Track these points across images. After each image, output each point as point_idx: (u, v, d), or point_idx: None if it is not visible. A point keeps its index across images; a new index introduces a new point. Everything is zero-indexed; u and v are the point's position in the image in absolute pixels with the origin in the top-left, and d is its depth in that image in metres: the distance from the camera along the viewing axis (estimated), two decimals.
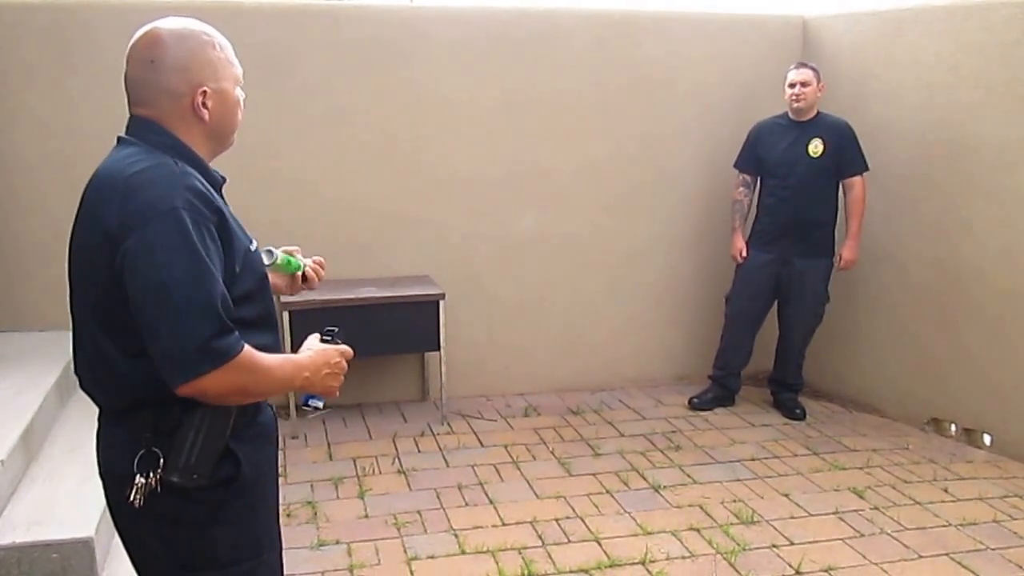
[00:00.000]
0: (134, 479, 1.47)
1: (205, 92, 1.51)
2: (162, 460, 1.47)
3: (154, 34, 1.51)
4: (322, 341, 1.65)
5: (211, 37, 1.55)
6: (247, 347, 1.42)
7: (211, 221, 1.44)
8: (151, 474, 1.47)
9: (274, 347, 1.60)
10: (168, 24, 1.52)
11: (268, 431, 1.68)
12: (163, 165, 1.45)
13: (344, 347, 1.64)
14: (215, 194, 1.51)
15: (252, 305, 1.55)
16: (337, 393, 1.64)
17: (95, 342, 1.51)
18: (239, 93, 1.60)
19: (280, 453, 3.84)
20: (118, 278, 1.40)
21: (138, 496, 1.48)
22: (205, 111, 1.52)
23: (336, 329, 1.67)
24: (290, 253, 1.86)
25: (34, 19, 3.92)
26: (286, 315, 3.97)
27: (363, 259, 4.45)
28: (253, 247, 1.59)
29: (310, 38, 4.23)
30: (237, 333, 1.41)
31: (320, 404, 1.59)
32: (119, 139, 1.54)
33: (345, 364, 1.63)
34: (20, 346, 3.72)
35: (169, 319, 1.37)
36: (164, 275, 1.36)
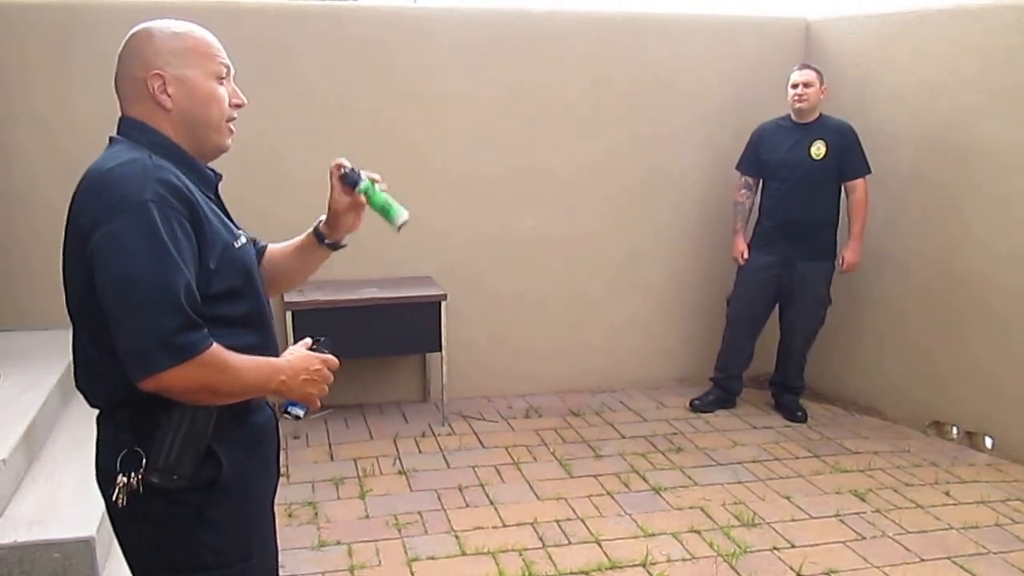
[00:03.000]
0: (117, 479, 1.47)
1: (162, 77, 1.49)
2: (144, 460, 1.46)
3: (135, 31, 1.54)
4: (311, 348, 1.63)
5: (186, 28, 1.53)
6: (215, 345, 1.40)
7: (183, 214, 1.41)
8: (133, 474, 1.46)
9: (261, 347, 1.57)
10: (146, 23, 1.54)
11: (262, 433, 1.65)
12: (137, 160, 1.43)
13: (328, 356, 1.61)
14: (195, 189, 1.49)
15: (236, 303, 1.53)
16: (318, 403, 1.61)
17: (80, 340, 1.51)
18: (217, 87, 1.54)
19: (283, 453, 3.85)
20: (90, 273, 1.40)
21: (121, 496, 1.47)
22: (165, 97, 1.49)
23: (323, 338, 1.64)
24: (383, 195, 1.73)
25: (37, 18, 3.93)
26: (288, 315, 3.98)
27: (365, 260, 4.45)
28: (239, 243, 1.56)
29: (313, 39, 4.24)
30: (205, 330, 1.39)
31: (300, 412, 1.54)
32: (110, 139, 1.54)
33: (328, 373, 1.60)
34: (23, 344, 3.72)
35: (131, 312, 1.36)
36: (128, 268, 1.36)
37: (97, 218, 1.39)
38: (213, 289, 1.46)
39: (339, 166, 1.72)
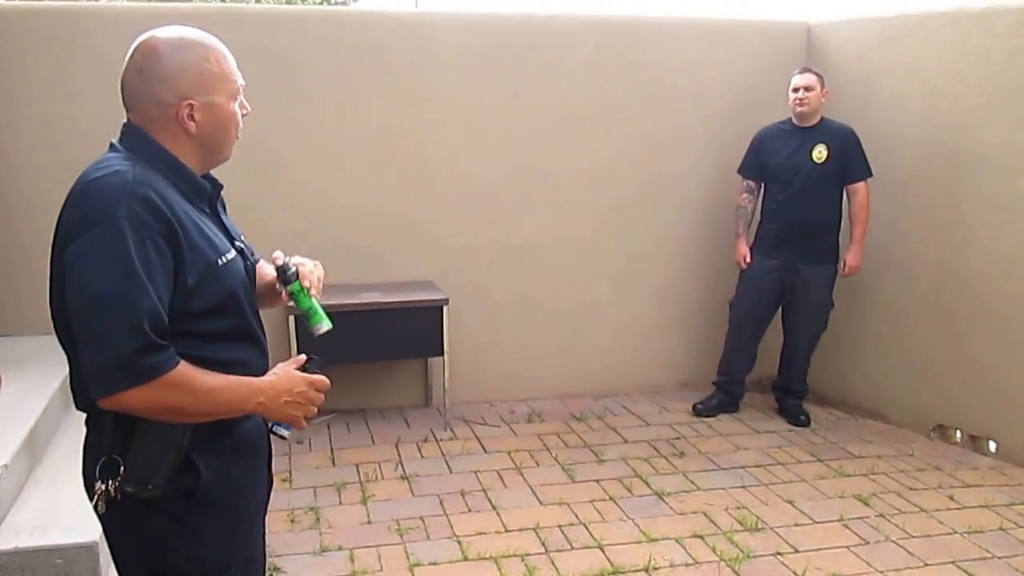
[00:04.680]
0: (95, 485, 1.47)
1: (192, 105, 1.48)
2: (122, 468, 1.46)
3: (149, 44, 1.49)
4: (302, 367, 1.60)
5: (208, 49, 1.51)
6: (182, 366, 1.38)
7: (158, 232, 1.39)
8: (111, 482, 1.46)
9: (251, 361, 1.57)
10: (165, 33, 1.50)
11: (249, 442, 1.63)
12: (119, 173, 1.42)
13: (317, 377, 1.58)
14: (179, 205, 1.46)
15: (219, 319, 1.51)
16: (304, 424, 1.58)
17: (64, 347, 1.51)
18: (235, 107, 1.55)
19: (284, 459, 3.85)
20: (61, 285, 1.40)
21: (99, 503, 1.47)
22: (192, 123, 1.49)
23: (315, 357, 1.61)
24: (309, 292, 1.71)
25: (38, 23, 3.94)
26: (291, 319, 3.98)
27: (367, 264, 4.46)
28: (226, 259, 1.53)
29: (314, 44, 4.24)
30: (171, 350, 1.37)
31: (284, 432, 1.55)
32: (111, 144, 1.53)
33: (314, 394, 1.56)
34: (25, 350, 3.73)
35: (92, 331, 1.35)
36: (93, 286, 1.35)
37: (71, 231, 1.39)
38: (193, 306, 1.45)
39: (274, 259, 1.70)
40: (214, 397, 1.44)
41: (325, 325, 1.70)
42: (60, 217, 1.46)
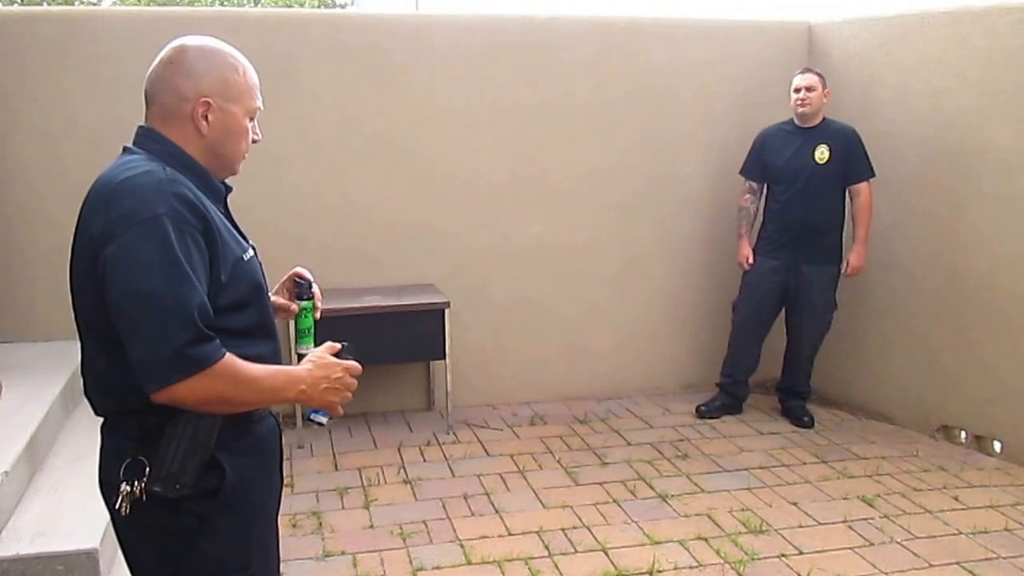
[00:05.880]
0: (120, 487, 1.48)
1: (208, 104, 1.52)
2: (148, 469, 1.47)
3: (181, 44, 1.55)
4: (334, 355, 1.63)
5: (238, 61, 1.57)
6: (228, 356, 1.41)
7: (196, 228, 1.43)
8: (136, 483, 1.47)
9: (271, 357, 1.59)
10: (199, 39, 1.56)
11: (264, 442, 1.66)
12: (151, 172, 1.45)
13: (351, 363, 1.61)
14: (208, 202, 1.50)
15: (245, 315, 1.55)
16: (340, 410, 1.62)
17: (87, 349, 1.53)
18: (248, 124, 1.59)
19: (287, 463, 3.84)
20: (101, 285, 1.40)
21: (124, 504, 1.48)
22: (204, 123, 1.52)
23: (347, 344, 1.65)
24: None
25: (37, 29, 3.94)
26: (292, 323, 3.96)
27: (368, 268, 4.45)
28: (248, 256, 1.58)
29: (314, 47, 4.24)
30: (217, 341, 1.40)
31: (323, 419, 1.62)
32: (124, 148, 1.55)
33: (350, 380, 1.60)
34: (25, 356, 3.72)
35: (144, 326, 1.37)
36: (141, 282, 1.37)
37: (110, 230, 1.40)
38: (222, 301, 1.48)
39: (298, 274, 1.85)
40: (258, 386, 1.47)
41: (309, 348, 1.79)
42: (84, 219, 1.47)
